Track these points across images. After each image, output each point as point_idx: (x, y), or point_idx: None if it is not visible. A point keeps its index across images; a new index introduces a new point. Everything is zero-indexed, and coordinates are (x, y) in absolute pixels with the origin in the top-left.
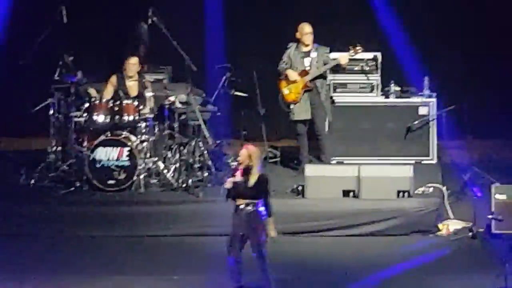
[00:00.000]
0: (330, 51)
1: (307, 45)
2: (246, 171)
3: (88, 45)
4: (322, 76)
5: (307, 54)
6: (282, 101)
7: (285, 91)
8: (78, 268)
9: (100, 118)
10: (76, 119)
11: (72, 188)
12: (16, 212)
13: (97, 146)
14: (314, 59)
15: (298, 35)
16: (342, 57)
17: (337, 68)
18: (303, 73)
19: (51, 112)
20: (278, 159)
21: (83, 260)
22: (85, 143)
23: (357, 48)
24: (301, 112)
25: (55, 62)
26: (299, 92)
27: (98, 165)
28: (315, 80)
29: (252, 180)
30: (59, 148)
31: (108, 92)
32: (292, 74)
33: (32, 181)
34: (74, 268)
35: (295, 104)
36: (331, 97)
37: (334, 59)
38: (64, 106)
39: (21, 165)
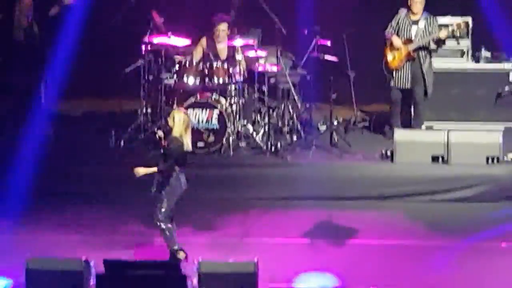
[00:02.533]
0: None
1: (415, 14)
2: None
3: (179, 7)
4: (426, 48)
5: (415, 22)
6: (385, 66)
7: (389, 57)
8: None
9: (190, 80)
10: (166, 81)
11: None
12: (105, 174)
13: (187, 108)
14: (420, 29)
15: (408, 1)
16: (442, 32)
17: (437, 41)
18: (407, 41)
19: (142, 74)
20: (367, 123)
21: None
22: (175, 105)
23: (462, 27)
24: (401, 80)
25: (146, 24)
26: (402, 60)
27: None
28: (418, 50)
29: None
30: (149, 110)
31: (198, 54)
32: (397, 41)
33: (122, 143)
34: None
35: (396, 71)
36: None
37: (442, 27)
38: (154, 68)
39: (111, 126)
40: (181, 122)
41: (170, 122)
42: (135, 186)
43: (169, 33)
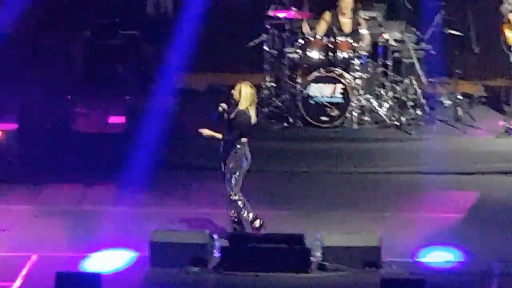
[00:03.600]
0: None
1: None
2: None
3: None
4: None
5: None
6: (503, 43)
7: (508, 33)
8: (280, 203)
9: (314, 54)
10: (290, 55)
11: (286, 124)
12: None
13: (310, 82)
14: None
15: None
16: None
17: None
18: None
19: (265, 48)
20: (491, 98)
21: (295, 195)
22: (298, 79)
23: None
24: None
25: None
26: None
27: (311, 101)
28: None
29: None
30: (273, 84)
31: (322, 28)
32: None
33: None
34: (286, 202)
35: None
36: None
37: None
38: (278, 42)
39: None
40: (247, 95)
41: (236, 95)
42: (258, 159)
43: (293, 7)
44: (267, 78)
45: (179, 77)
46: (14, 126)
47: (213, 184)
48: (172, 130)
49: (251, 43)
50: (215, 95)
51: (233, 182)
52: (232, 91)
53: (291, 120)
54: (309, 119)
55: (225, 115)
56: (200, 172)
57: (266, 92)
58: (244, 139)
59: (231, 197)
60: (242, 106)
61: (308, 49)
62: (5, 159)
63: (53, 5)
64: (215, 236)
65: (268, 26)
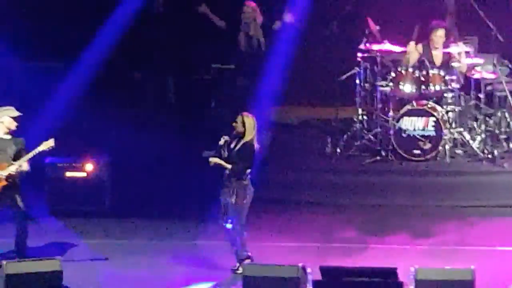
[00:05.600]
0: None
1: None
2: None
3: (394, 13)
4: None
5: None
6: None
7: None
8: (372, 236)
9: (406, 87)
10: (381, 88)
11: (378, 157)
12: (321, 180)
13: (403, 115)
14: None
15: None
16: None
17: None
18: None
19: (357, 81)
20: None
21: (387, 228)
22: (390, 113)
23: None
24: None
25: (361, 31)
26: None
27: (403, 135)
28: None
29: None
30: (365, 117)
31: (413, 60)
32: None
33: (338, 150)
34: (379, 235)
35: None
36: None
37: None
38: (370, 75)
39: (327, 133)
40: (251, 126)
41: (240, 127)
42: (351, 192)
43: (385, 41)
44: (359, 111)
45: (272, 110)
46: (105, 160)
47: (305, 217)
48: (265, 164)
49: (343, 77)
50: (307, 129)
51: (238, 214)
52: (234, 124)
53: (383, 153)
54: (401, 153)
55: (226, 147)
56: (292, 205)
57: (358, 125)
58: (248, 171)
59: (231, 226)
60: (247, 137)
61: (400, 82)
62: (97, 193)
63: (147, 40)
64: (308, 270)
65: (360, 60)
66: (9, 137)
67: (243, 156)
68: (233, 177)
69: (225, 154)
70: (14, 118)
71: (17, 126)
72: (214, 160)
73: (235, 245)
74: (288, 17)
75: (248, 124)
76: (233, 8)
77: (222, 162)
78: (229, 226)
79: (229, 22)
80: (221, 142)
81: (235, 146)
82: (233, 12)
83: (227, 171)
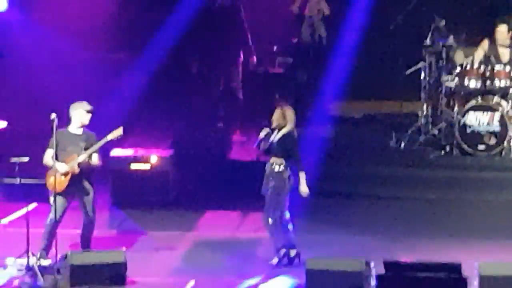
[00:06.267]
0: None
1: None
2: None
3: (460, 9)
4: None
5: None
6: None
7: None
8: (437, 231)
9: (471, 83)
10: (447, 84)
11: (442, 152)
12: (385, 174)
13: (468, 110)
14: None
15: None
16: None
17: None
18: None
19: (422, 76)
20: None
21: (452, 222)
22: (455, 108)
23: None
24: None
25: (427, 26)
26: None
27: (468, 130)
28: None
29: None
30: (429, 112)
31: (479, 56)
32: None
33: (402, 144)
34: (443, 230)
35: None
36: None
37: None
38: (435, 70)
39: (391, 128)
40: (292, 117)
41: (281, 119)
42: (416, 187)
43: (450, 35)
44: (424, 106)
45: (335, 104)
46: (169, 152)
47: (368, 210)
48: (328, 158)
49: (409, 71)
50: (371, 123)
51: (274, 204)
52: (274, 117)
53: (448, 148)
54: (466, 148)
55: (267, 140)
56: (355, 199)
57: (423, 120)
58: (289, 160)
59: (268, 220)
60: (288, 127)
61: (465, 78)
62: (161, 185)
63: (211, 33)
64: (371, 264)
65: (426, 54)
66: (81, 131)
67: (287, 145)
68: (274, 168)
69: (266, 146)
70: (88, 112)
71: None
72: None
73: (273, 236)
74: None
75: (289, 115)
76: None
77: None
78: (271, 221)
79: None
80: (263, 134)
81: (275, 137)
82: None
83: (270, 163)
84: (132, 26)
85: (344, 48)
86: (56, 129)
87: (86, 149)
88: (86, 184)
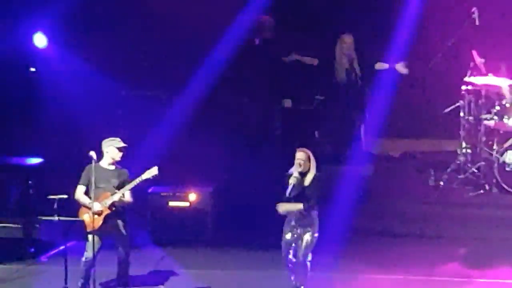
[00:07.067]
0: None
1: None
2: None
3: (498, 46)
4: None
5: None
6: None
7: None
8: (476, 271)
9: (510, 121)
10: (486, 122)
11: (481, 191)
12: (424, 213)
13: (507, 149)
14: None
15: None
16: None
17: None
18: None
19: (462, 114)
20: None
21: (489, 262)
22: (494, 146)
23: None
24: None
25: (465, 64)
26: None
27: (507, 168)
28: None
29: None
30: (469, 151)
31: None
32: None
33: (441, 183)
34: (475, 270)
35: None
36: None
37: None
38: (474, 108)
39: (430, 166)
40: (313, 160)
41: (307, 163)
42: (455, 225)
43: (490, 74)
44: (463, 145)
45: (374, 142)
46: (208, 189)
47: (406, 249)
48: (366, 196)
49: (447, 109)
50: (410, 161)
51: (308, 249)
52: (300, 161)
53: (487, 187)
54: (505, 186)
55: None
56: (394, 237)
57: (462, 158)
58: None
59: (307, 264)
60: (313, 171)
61: (504, 116)
62: (199, 223)
63: (250, 69)
64: None
65: (465, 92)
66: (113, 167)
67: (316, 189)
68: (306, 213)
69: (293, 193)
70: (120, 149)
71: (122, 157)
72: (284, 207)
73: (298, 279)
74: (402, 69)
75: (312, 158)
76: (326, 43)
77: (292, 205)
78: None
79: (324, 55)
80: (293, 181)
81: (304, 182)
82: (326, 46)
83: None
84: (170, 63)
85: (381, 86)
86: (89, 165)
87: (118, 187)
88: (120, 222)
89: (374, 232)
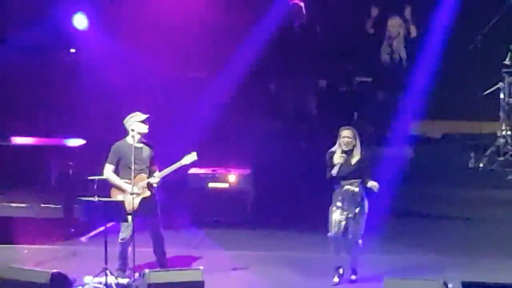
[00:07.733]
0: None
1: None
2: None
3: None
4: None
5: None
6: None
7: None
8: None
9: None
10: None
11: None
12: (463, 195)
13: None
14: None
15: None
16: None
17: None
18: None
19: (501, 96)
20: None
21: None
22: None
23: None
24: None
25: (506, 46)
26: None
27: None
28: None
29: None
30: (509, 133)
31: None
32: None
33: (481, 165)
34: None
35: None
36: None
37: None
38: None
39: (469, 148)
40: (359, 139)
41: (353, 141)
42: (494, 207)
43: None
44: (503, 127)
45: (414, 124)
46: (247, 171)
47: (445, 231)
48: (406, 178)
49: (487, 91)
50: (450, 143)
51: (363, 226)
52: (347, 139)
53: None
54: None
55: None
56: (433, 219)
57: (502, 140)
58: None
59: (359, 242)
60: (360, 148)
61: None
62: (239, 204)
63: (290, 51)
64: (450, 285)
65: (505, 74)
66: (141, 145)
67: (367, 163)
68: (359, 190)
69: (343, 171)
70: (144, 122)
71: (148, 128)
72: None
73: (357, 257)
74: None
75: (358, 136)
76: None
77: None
78: (361, 242)
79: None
80: (340, 160)
81: (351, 160)
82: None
83: (346, 188)
84: (211, 46)
85: (423, 68)
86: (116, 144)
87: (151, 167)
88: (154, 203)
89: (412, 214)
